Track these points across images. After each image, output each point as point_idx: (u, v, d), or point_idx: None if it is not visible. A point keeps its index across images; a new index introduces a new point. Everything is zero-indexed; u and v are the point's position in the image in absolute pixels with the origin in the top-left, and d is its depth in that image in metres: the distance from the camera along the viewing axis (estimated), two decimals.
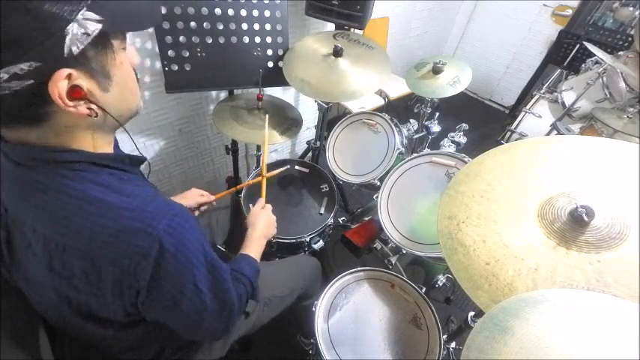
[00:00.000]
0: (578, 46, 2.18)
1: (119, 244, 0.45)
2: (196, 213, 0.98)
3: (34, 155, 0.45)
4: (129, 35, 0.48)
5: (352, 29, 1.40)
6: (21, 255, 0.52)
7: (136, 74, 0.54)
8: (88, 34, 0.39)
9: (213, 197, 1.02)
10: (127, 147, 0.67)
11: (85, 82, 0.42)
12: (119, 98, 0.48)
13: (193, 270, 0.52)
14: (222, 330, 0.65)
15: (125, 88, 0.49)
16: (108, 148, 0.54)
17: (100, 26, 0.40)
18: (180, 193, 0.97)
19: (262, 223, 0.90)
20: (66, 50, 0.38)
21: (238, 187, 1.16)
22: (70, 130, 0.46)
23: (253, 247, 0.84)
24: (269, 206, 0.97)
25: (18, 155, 0.46)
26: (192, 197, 0.97)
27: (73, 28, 0.38)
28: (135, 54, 0.51)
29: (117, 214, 0.46)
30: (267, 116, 1.17)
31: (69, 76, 0.40)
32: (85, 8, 0.38)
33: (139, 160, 0.59)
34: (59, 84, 0.39)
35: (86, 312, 0.54)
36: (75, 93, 0.41)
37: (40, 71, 0.38)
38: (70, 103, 0.41)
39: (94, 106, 0.44)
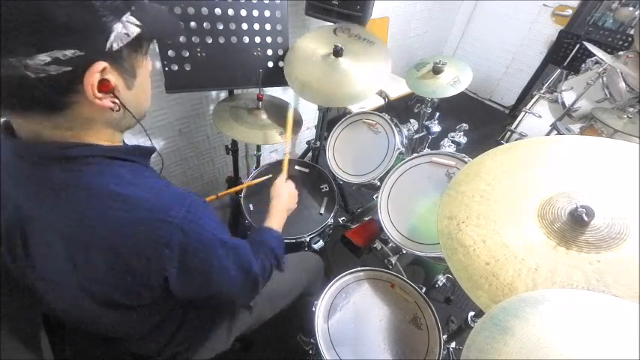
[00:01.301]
0: (578, 46, 2.18)
1: (141, 235, 0.46)
2: None
3: (48, 153, 0.46)
4: None
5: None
6: (38, 254, 0.53)
7: None
8: (128, 35, 0.43)
9: (212, 197, 1.03)
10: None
11: (113, 78, 0.44)
12: (137, 98, 0.51)
13: (217, 250, 0.55)
14: (250, 296, 0.73)
15: (142, 90, 0.53)
16: (119, 142, 0.56)
17: (139, 30, 0.44)
18: None
19: (285, 195, 0.95)
20: (108, 45, 0.41)
21: (239, 187, 1.16)
22: (87, 122, 0.47)
23: (275, 219, 0.88)
24: (291, 181, 1.01)
25: (32, 154, 0.47)
26: None
27: (118, 27, 0.42)
28: (150, 61, 0.54)
29: (135, 206, 0.47)
30: (291, 108, 1.19)
31: (103, 70, 0.42)
32: (129, 13, 0.43)
33: (149, 150, 0.60)
34: (94, 75, 0.41)
35: (109, 301, 0.55)
36: (104, 86, 0.43)
37: (80, 60, 0.39)
38: (99, 95, 0.43)
39: (117, 101, 0.47)
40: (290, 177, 1.00)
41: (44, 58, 0.37)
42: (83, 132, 0.48)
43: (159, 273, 0.50)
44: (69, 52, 0.38)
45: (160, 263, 0.48)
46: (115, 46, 0.42)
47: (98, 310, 0.57)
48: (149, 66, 0.54)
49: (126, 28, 0.43)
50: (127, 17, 0.43)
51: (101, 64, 0.41)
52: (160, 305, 0.62)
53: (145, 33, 0.46)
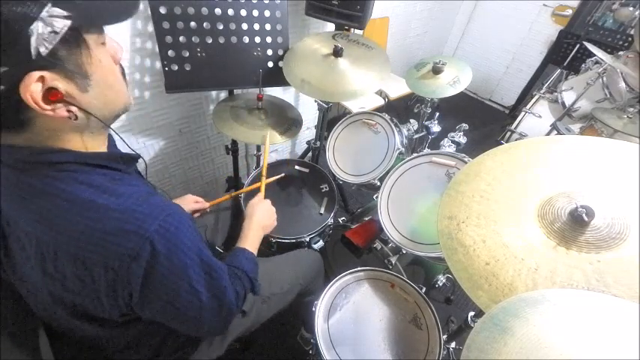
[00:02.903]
0: (578, 46, 2.19)
1: (109, 246, 0.45)
2: None
3: (24, 158, 0.45)
4: (121, 33, 0.46)
5: (352, 29, 1.40)
6: (16, 256, 0.52)
7: (123, 70, 0.52)
8: (56, 32, 0.36)
9: (207, 204, 1.01)
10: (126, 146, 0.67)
11: (61, 84, 0.40)
12: (101, 98, 0.46)
13: (188, 270, 0.51)
14: (222, 327, 0.65)
15: (106, 87, 0.47)
16: (101, 148, 0.53)
17: (68, 22, 0.37)
18: (179, 193, 0.98)
19: (259, 213, 0.90)
20: (33, 52, 0.36)
21: (233, 194, 1.16)
22: (56, 133, 0.45)
23: (250, 240, 0.83)
24: (268, 200, 0.97)
25: (8, 158, 0.45)
26: (187, 204, 0.97)
27: (37, 27, 0.35)
28: (118, 48, 0.49)
29: (106, 216, 0.45)
30: (266, 121, 1.16)
31: (42, 79, 0.38)
32: (49, 4, 0.36)
33: (133, 157, 0.57)
34: (31, 87, 0.37)
35: (81, 312, 0.53)
36: (52, 95, 0.39)
37: (9, 76, 0.36)
38: (47, 107, 0.39)
39: (73, 108, 0.43)
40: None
41: None
42: (58, 141, 0.46)
43: (124, 288, 0.48)
44: None
45: (126, 277, 0.46)
46: (44, 50, 0.36)
47: (73, 321, 0.55)
48: (117, 54, 0.48)
49: (49, 24, 0.36)
50: (49, 11, 0.36)
51: (34, 75, 0.37)
52: (134, 321, 0.58)
53: (80, 22, 0.39)
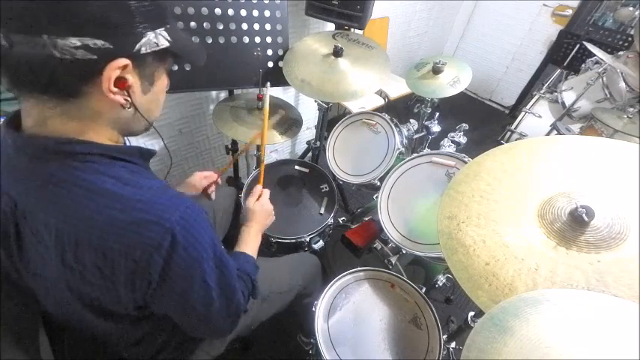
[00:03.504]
0: (578, 46, 2.18)
1: (131, 235, 0.46)
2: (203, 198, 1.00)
3: (47, 147, 0.46)
4: None
5: (352, 29, 1.40)
6: (31, 250, 0.53)
7: None
8: (158, 45, 0.47)
9: (217, 175, 1.03)
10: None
11: (132, 78, 0.47)
12: (148, 105, 0.54)
13: (203, 264, 0.53)
14: (229, 326, 0.66)
15: (155, 100, 0.55)
16: (120, 142, 0.56)
17: (167, 44, 0.48)
18: (182, 186, 0.99)
19: (258, 217, 0.92)
20: (137, 47, 0.44)
21: (235, 156, 1.21)
22: (94, 115, 0.48)
23: (250, 244, 0.85)
24: (266, 192, 0.98)
25: (30, 147, 0.47)
26: (198, 181, 0.99)
27: (150, 35, 0.45)
28: (167, 80, 0.58)
29: (129, 206, 0.46)
30: (267, 99, 1.14)
31: (125, 67, 0.44)
32: (164, 28, 0.47)
33: (150, 153, 0.60)
34: (115, 70, 0.43)
35: (97, 306, 0.54)
36: (121, 83, 0.46)
37: (107, 52, 0.42)
38: (114, 89, 0.45)
39: (129, 99, 0.48)
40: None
41: (75, 41, 0.39)
42: (88, 125, 0.48)
43: (143, 278, 0.49)
44: (99, 42, 0.41)
45: (146, 267, 0.47)
46: (143, 50, 0.45)
47: (87, 316, 0.56)
48: (166, 82, 0.56)
49: (157, 38, 0.46)
50: (161, 31, 0.47)
51: (124, 61, 0.43)
52: (148, 316, 0.60)
53: (172, 49, 0.49)
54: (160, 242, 0.46)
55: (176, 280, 0.51)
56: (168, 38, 0.48)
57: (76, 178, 0.46)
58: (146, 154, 0.58)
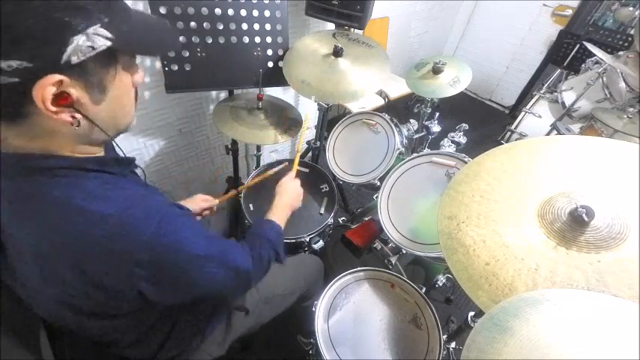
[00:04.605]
0: (578, 46, 2.18)
1: (107, 252, 0.44)
2: (198, 218, 0.99)
3: (14, 164, 0.44)
4: None
5: (352, 29, 1.40)
6: (15, 263, 0.52)
7: (136, 93, 0.54)
8: (94, 48, 0.40)
9: (216, 201, 1.02)
10: (126, 145, 0.66)
11: (76, 91, 0.42)
12: (109, 113, 0.48)
13: (194, 263, 0.53)
14: (245, 287, 0.71)
15: (118, 106, 0.49)
16: (97, 153, 0.53)
17: (108, 43, 0.41)
18: (180, 193, 0.99)
19: (290, 192, 0.94)
20: (64, 57, 0.38)
21: (240, 189, 1.16)
22: (50, 134, 0.44)
23: (279, 214, 0.87)
24: (298, 180, 1.01)
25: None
26: (196, 203, 0.98)
27: (79, 40, 0.38)
28: (141, 74, 0.53)
29: (101, 223, 0.44)
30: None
31: (59, 83, 0.39)
32: (99, 25, 0.40)
33: (128, 160, 0.57)
34: (47, 88, 0.38)
35: (88, 311, 0.54)
36: (62, 99, 0.41)
37: (28, 72, 0.37)
38: (53, 109, 0.40)
39: (78, 116, 0.44)
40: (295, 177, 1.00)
41: None
42: (50, 142, 0.45)
43: (132, 289, 0.48)
44: (14, 63, 0.36)
45: (130, 280, 0.46)
46: (76, 59, 0.39)
47: (81, 320, 0.55)
48: (133, 79, 0.50)
49: (91, 40, 0.39)
50: (95, 29, 0.39)
51: (53, 78, 0.38)
52: (147, 312, 0.60)
53: (119, 47, 0.43)
54: (138, 257, 0.45)
55: (173, 282, 0.51)
56: (109, 35, 0.41)
57: (46, 194, 0.45)
58: (124, 161, 0.56)
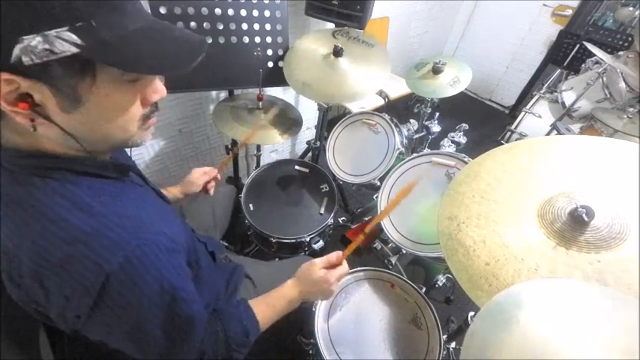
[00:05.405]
0: (578, 46, 2.18)
1: (69, 271, 0.42)
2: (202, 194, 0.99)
3: (5, 161, 0.43)
4: None
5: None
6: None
7: (156, 107, 0.51)
8: (53, 52, 0.36)
9: (215, 170, 1.03)
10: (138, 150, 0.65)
11: (40, 95, 0.39)
12: (90, 126, 0.45)
13: (141, 309, 0.48)
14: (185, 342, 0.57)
15: (102, 119, 0.45)
16: (98, 157, 0.51)
17: (75, 50, 0.37)
18: (181, 185, 0.99)
19: (312, 287, 0.74)
20: (13, 57, 0.35)
21: (235, 149, 1.18)
22: (27, 131, 0.42)
23: (273, 306, 0.73)
24: (345, 269, 0.77)
25: None
26: (197, 179, 0.98)
27: (31, 40, 0.35)
28: (159, 91, 0.50)
29: (74, 237, 0.43)
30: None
31: (11, 82, 0.37)
32: (66, 28, 0.36)
33: (123, 167, 0.55)
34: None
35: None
36: (23, 101, 0.39)
37: None
38: (8, 107, 0.38)
39: (40, 121, 0.41)
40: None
41: None
42: (32, 139, 0.43)
43: (73, 312, 0.45)
44: None
45: (76, 305, 0.44)
46: (28, 60, 0.36)
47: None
48: (132, 93, 0.47)
49: (49, 43, 0.36)
50: (60, 33, 0.36)
51: (3, 75, 0.36)
52: None
53: (95, 57, 0.39)
54: (91, 284, 0.42)
55: (108, 321, 0.47)
56: (77, 41, 0.37)
57: (31, 197, 0.43)
58: (120, 167, 0.54)
